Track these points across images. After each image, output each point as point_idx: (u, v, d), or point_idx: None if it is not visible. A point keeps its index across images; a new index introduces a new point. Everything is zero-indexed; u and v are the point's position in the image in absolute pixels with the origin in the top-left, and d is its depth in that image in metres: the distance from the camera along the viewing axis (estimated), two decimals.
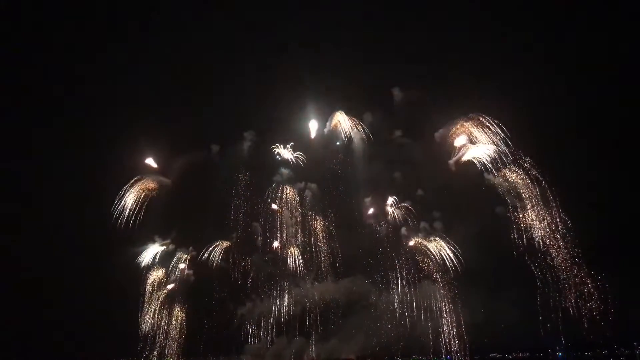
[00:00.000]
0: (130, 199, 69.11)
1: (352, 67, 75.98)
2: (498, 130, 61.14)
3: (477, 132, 62.58)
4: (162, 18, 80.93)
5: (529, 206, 59.13)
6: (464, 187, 64.11)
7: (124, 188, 69.22)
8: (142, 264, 69.27)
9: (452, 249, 63.18)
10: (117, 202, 68.06)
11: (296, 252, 69.23)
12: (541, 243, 57.76)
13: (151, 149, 72.41)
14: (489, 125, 61.61)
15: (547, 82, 65.89)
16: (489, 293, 60.51)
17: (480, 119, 62.36)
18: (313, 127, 72.51)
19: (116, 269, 66.71)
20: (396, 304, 63.99)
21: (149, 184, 71.79)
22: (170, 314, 69.13)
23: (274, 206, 71.13)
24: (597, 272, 56.52)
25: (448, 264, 62.19)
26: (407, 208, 67.69)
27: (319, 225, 70.23)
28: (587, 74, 65.21)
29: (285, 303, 68.15)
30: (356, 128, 70.73)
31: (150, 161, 72.70)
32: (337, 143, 71.13)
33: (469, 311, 60.88)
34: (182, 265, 71.18)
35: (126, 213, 68.07)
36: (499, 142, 60.68)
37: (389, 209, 68.48)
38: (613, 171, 63.85)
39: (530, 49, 70.78)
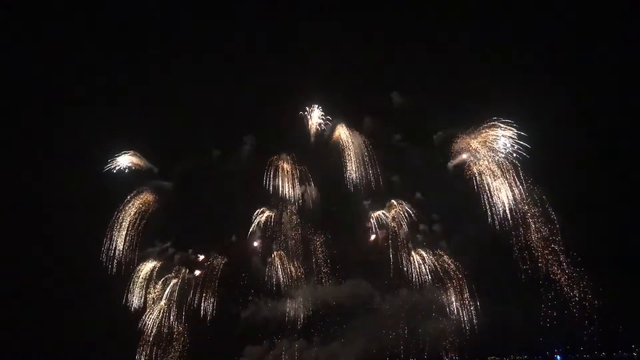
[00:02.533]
0: (121, 235, 68.15)
1: (353, 69, 75.92)
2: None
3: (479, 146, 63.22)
4: (161, 18, 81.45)
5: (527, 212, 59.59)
6: (462, 191, 64.71)
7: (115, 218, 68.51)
8: (133, 307, 67.69)
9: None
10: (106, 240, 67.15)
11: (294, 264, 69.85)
12: (540, 248, 58.23)
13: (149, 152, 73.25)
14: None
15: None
16: (489, 295, 61.32)
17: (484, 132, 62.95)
18: (313, 125, 73.02)
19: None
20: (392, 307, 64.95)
21: (147, 196, 71.81)
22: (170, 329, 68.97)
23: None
24: (597, 275, 57.03)
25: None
26: (406, 210, 68.17)
27: (318, 233, 70.79)
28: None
29: (288, 306, 68.67)
30: (358, 134, 71.33)
31: (131, 157, 72.03)
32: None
33: (469, 314, 61.43)
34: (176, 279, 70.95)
35: (118, 255, 67.33)
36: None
37: (388, 214, 68.87)
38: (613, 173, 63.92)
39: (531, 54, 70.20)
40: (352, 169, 69.50)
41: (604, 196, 62.13)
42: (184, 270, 71.24)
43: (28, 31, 75.87)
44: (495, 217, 60.22)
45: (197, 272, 70.89)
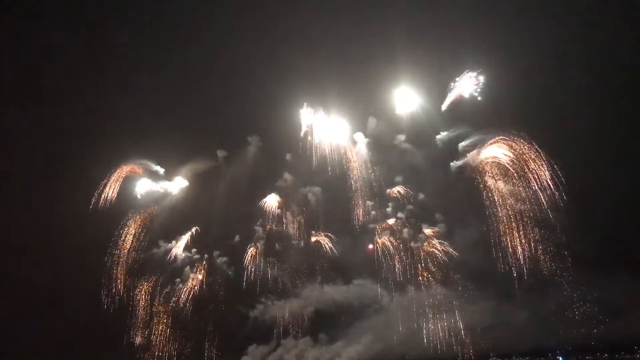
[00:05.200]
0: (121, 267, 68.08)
1: (356, 69, 75.65)
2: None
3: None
4: (163, 19, 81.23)
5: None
6: (465, 191, 65.02)
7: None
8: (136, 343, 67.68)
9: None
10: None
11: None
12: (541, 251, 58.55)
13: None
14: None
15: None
16: (491, 297, 61.69)
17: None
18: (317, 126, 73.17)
19: None
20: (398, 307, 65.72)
21: (150, 210, 72.27)
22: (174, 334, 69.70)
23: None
24: (599, 276, 57.07)
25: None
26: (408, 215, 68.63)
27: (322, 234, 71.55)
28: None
29: (295, 306, 70.09)
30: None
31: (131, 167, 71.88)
32: None
33: (470, 314, 61.99)
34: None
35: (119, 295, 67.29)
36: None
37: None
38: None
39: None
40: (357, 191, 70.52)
41: (608, 198, 61.91)
42: (187, 270, 72.16)
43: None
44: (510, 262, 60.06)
45: (200, 276, 71.82)
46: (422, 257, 66.16)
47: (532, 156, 58.95)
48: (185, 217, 74.68)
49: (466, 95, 64.77)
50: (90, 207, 66.92)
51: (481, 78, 63.65)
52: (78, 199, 68.46)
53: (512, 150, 60.77)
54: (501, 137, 61.55)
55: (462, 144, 67.31)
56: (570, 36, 64.25)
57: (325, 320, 69.21)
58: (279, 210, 73.52)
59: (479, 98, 63.33)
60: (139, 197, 71.75)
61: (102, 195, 68.10)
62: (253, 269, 70.90)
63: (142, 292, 69.37)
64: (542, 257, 58.42)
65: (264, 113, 75.43)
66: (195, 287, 70.75)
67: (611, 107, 62.76)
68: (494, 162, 62.37)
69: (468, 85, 64.64)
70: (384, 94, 71.54)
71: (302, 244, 71.70)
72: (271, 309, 69.98)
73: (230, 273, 72.31)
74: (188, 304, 69.65)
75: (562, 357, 59.51)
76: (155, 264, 71.37)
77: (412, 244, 67.68)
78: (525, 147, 59.54)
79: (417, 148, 70.29)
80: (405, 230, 68.53)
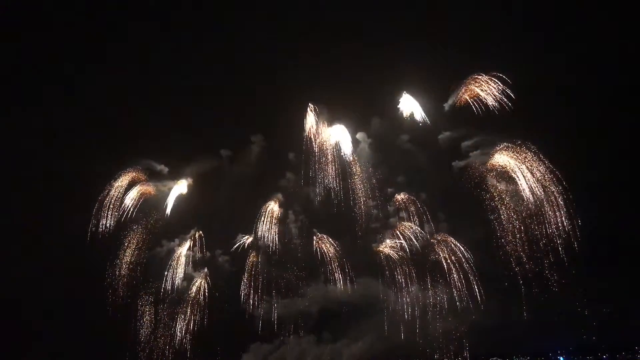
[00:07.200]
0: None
1: (361, 68, 75.52)
2: None
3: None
4: (165, 19, 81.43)
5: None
6: (467, 193, 65.26)
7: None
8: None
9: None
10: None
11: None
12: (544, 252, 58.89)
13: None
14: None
15: None
16: (494, 297, 62.11)
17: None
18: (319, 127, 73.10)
19: None
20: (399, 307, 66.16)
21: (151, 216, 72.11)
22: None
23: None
24: (599, 276, 57.55)
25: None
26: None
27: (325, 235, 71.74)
28: None
29: (298, 304, 70.50)
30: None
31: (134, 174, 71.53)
32: None
33: (472, 315, 62.29)
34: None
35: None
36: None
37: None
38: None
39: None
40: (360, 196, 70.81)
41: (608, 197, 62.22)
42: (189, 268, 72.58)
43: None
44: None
45: (201, 279, 72.16)
46: (424, 257, 66.79)
47: (536, 164, 59.29)
48: (188, 216, 75.20)
49: (476, 98, 64.77)
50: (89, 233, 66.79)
51: (493, 82, 63.45)
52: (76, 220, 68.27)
53: (516, 158, 60.98)
54: (505, 143, 61.80)
55: (464, 144, 67.52)
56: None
57: (329, 318, 69.88)
58: (281, 210, 73.88)
59: (491, 106, 63.11)
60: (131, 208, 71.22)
61: (101, 221, 68.03)
62: (255, 268, 71.39)
63: (145, 299, 69.81)
64: (544, 259, 58.76)
65: (268, 113, 76.12)
66: (200, 289, 71.21)
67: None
68: (497, 168, 62.62)
69: (475, 88, 64.75)
70: (388, 94, 71.90)
71: (304, 244, 71.99)
72: (275, 308, 70.61)
73: (232, 272, 72.81)
74: (190, 308, 70.25)
75: (563, 357, 60.10)
76: (158, 266, 71.66)
77: (413, 243, 68.24)
78: (529, 154, 59.89)
79: (420, 148, 70.68)
80: (407, 230, 68.95)
